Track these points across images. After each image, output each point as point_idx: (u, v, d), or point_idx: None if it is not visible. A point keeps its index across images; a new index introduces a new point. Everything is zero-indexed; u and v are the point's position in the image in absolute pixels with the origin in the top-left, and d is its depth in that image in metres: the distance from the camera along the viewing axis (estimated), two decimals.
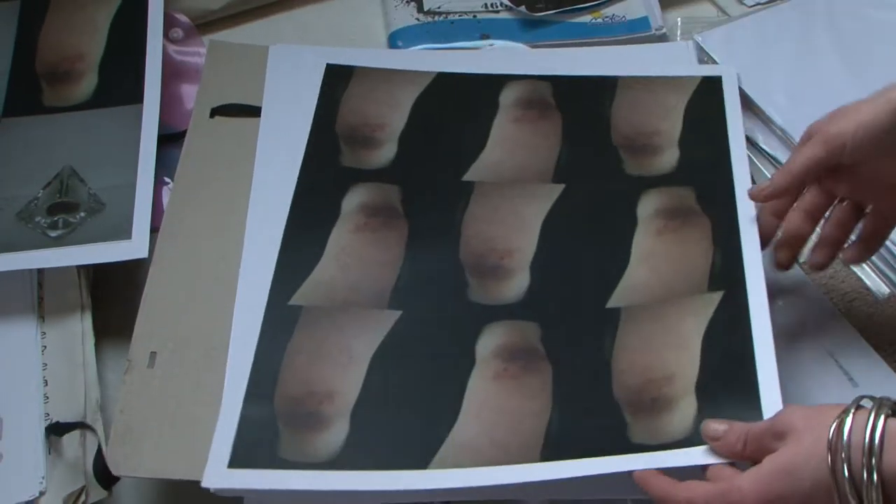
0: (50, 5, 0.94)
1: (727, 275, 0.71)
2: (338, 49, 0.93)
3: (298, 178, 0.81)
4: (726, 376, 0.66)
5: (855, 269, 0.83)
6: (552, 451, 0.65)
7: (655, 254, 0.74)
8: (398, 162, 0.82)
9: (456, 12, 1.00)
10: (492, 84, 0.87)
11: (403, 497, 0.66)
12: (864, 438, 0.54)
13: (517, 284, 0.74)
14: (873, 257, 0.82)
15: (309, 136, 0.84)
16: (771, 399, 0.64)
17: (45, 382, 0.75)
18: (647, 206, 0.77)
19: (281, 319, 0.73)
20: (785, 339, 0.76)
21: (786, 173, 0.71)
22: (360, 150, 0.83)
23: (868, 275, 0.83)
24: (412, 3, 1.00)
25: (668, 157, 0.81)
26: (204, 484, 0.66)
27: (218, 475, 0.66)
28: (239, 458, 0.67)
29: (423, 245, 0.77)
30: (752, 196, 0.74)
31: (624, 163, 0.81)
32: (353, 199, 0.80)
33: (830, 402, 0.73)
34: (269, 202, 0.80)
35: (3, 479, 0.71)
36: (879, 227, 0.74)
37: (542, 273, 0.75)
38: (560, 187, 0.79)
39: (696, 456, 0.62)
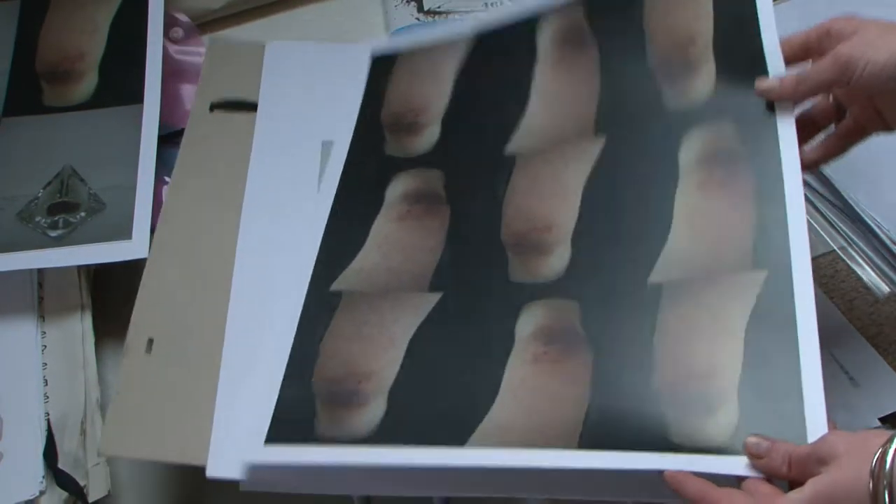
0: (50, 5, 0.94)
1: (771, 246, 0.67)
2: (336, 44, 0.94)
3: (343, 170, 0.81)
4: (770, 382, 0.63)
5: (855, 268, 0.83)
6: (590, 440, 0.64)
7: (698, 213, 0.70)
8: (441, 145, 0.82)
9: (456, 12, 1.00)
10: (527, 27, 0.84)
11: (439, 476, 0.66)
12: None
13: (558, 260, 0.72)
14: (873, 256, 0.82)
15: (355, 128, 0.84)
16: (816, 416, 0.61)
17: (46, 382, 0.75)
18: (689, 152, 0.73)
19: (321, 304, 0.73)
20: None
21: (796, 88, 0.70)
22: (403, 137, 0.83)
23: (868, 274, 0.83)
24: (412, 3, 1.00)
25: (706, 77, 0.75)
26: (244, 460, 0.67)
27: (254, 451, 0.67)
28: (276, 435, 0.67)
29: (465, 230, 0.76)
30: (757, 93, 0.72)
31: (663, 95, 0.76)
32: (397, 188, 0.79)
33: (831, 402, 0.73)
34: (267, 193, 0.80)
35: (3, 478, 0.71)
36: (850, 134, 0.75)
37: (584, 245, 0.72)
38: (601, 142, 0.76)
39: (736, 465, 0.60)
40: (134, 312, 0.74)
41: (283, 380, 0.69)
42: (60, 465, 0.71)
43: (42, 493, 0.70)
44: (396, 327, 0.71)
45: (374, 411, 0.67)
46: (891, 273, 0.82)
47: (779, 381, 0.62)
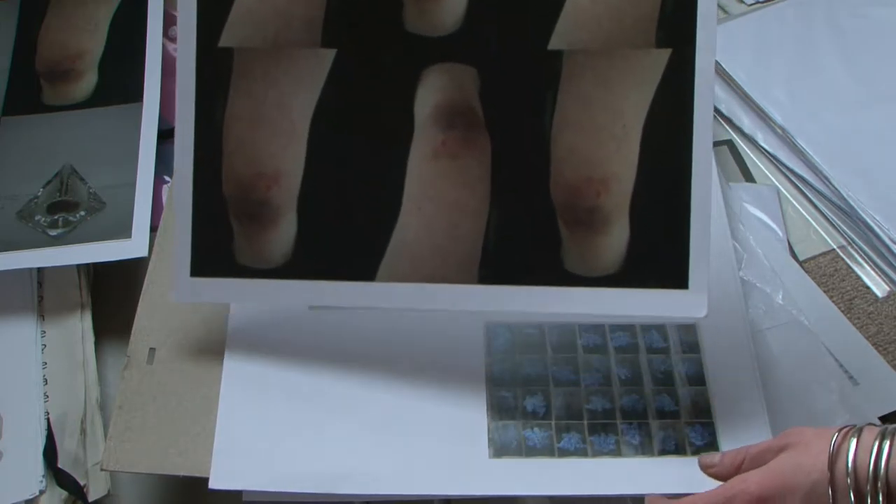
0: (50, 3, 0.94)
1: (678, 15, 0.66)
2: None
3: None
4: (659, 204, 0.65)
5: (854, 267, 0.83)
6: (489, 270, 0.67)
7: None
8: None
9: None
10: None
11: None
12: (873, 444, 0.54)
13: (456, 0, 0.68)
14: (873, 255, 0.82)
15: None
16: (699, 251, 0.64)
17: (45, 381, 0.75)
18: None
19: (214, 73, 0.70)
20: (784, 337, 0.76)
21: None
22: None
23: (868, 273, 0.83)
24: None
25: None
26: (172, 298, 0.70)
27: (183, 288, 0.69)
28: (200, 266, 0.70)
29: None
30: None
31: None
32: None
33: (830, 400, 0.74)
34: None
35: (3, 477, 0.71)
36: None
37: None
38: None
39: (630, 305, 0.65)
40: (135, 321, 0.74)
41: (195, 185, 0.70)
42: (60, 465, 0.71)
43: (42, 492, 0.70)
44: (296, 102, 0.69)
45: (286, 230, 0.69)
46: (890, 272, 0.82)
47: (668, 199, 0.65)
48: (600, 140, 0.66)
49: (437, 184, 0.68)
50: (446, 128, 0.68)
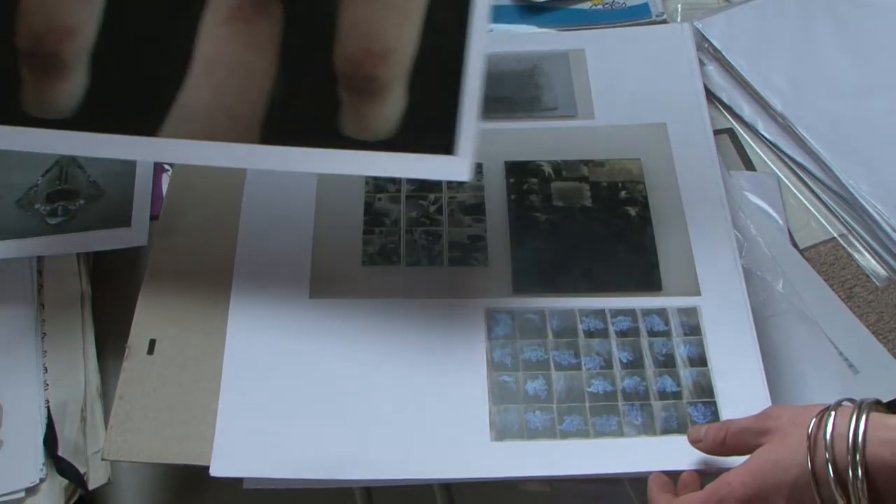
0: None
1: None
2: None
3: None
4: (436, 74, 0.68)
5: (855, 255, 0.83)
6: (271, 132, 0.69)
7: None
8: None
9: None
10: None
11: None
12: (849, 427, 0.54)
13: None
14: (873, 243, 0.82)
15: None
16: (467, 122, 0.67)
17: (45, 369, 0.75)
18: None
19: None
20: (784, 325, 0.76)
21: None
22: None
23: (868, 262, 0.83)
24: None
25: None
26: None
27: None
28: None
29: None
30: None
31: None
32: None
33: (830, 388, 0.74)
34: (266, 189, 0.80)
35: (3, 466, 0.71)
36: None
37: None
38: None
39: (400, 168, 0.68)
40: (136, 313, 0.74)
41: None
42: (60, 453, 0.71)
43: (42, 480, 0.70)
44: None
45: (76, 84, 0.70)
46: (891, 260, 0.82)
47: (444, 74, 0.68)
48: (385, 15, 0.69)
49: (229, 46, 0.70)
50: None
